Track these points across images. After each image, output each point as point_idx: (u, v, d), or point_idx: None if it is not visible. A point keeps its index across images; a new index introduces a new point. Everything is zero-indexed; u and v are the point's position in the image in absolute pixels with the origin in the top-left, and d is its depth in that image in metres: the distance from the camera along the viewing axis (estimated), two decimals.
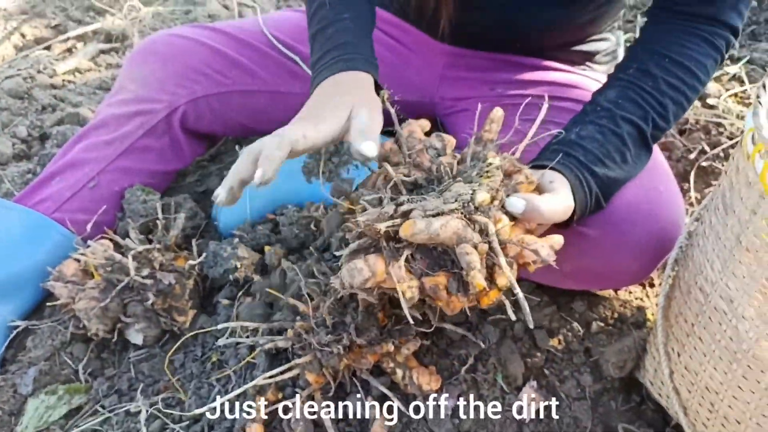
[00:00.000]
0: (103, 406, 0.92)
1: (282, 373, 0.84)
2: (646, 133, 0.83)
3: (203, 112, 1.16)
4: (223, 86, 1.16)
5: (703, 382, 0.77)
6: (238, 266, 1.03)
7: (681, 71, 0.84)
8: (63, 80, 1.60)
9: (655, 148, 0.96)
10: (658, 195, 0.87)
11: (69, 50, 1.73)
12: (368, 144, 0.72)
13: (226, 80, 1.16)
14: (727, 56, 0.91)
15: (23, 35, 1.78)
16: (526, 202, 0.68)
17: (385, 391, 0.86)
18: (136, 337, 0.99)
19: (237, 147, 1.27)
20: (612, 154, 0.81)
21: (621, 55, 1.27)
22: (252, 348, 0.93)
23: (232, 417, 0.86)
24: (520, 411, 0.88)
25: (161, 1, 1.96)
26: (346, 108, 0.76)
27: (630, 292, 1.04)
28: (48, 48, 1.73)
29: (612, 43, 1.17)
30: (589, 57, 1.14)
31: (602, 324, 0.96)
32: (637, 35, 0.92)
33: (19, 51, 1.72)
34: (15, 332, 1.02)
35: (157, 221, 1.09)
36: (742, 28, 0.89)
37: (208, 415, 0.87)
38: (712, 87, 1.46)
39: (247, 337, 0.90)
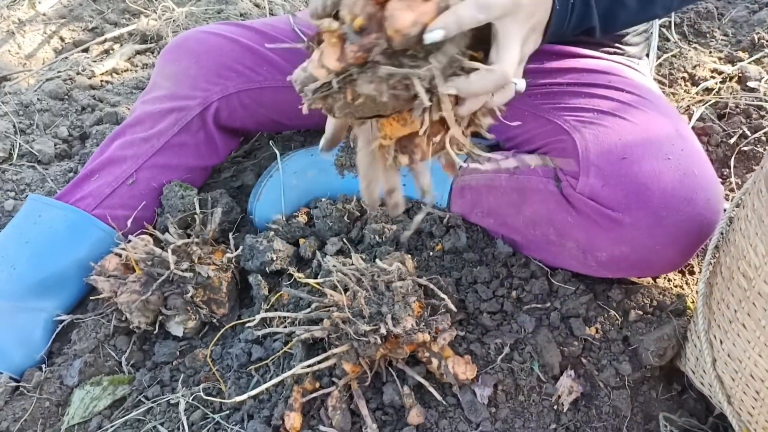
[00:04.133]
0: (146, 397, 0.94)
1: (319, 362, 0.86)
2: None
3: (235, 108, 1.18)
4: (255, 82, 1.17)
5: (748, 369, 0.75)
6: (274, 258, 1.04)
7: None
8: (101, 81, 1.64)
9: (690, 133, 0.94)
10: (693, 179, 0.85)
11: (106, 52, 1.78)
12: None
13: (258, 76, 1.17)
14: None
15: (62, 39, 1.82)
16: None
17: (421, 380, 0.87)
18: (176, 328, 1.01)
19: (271, 143, 1.29)
20: None
21: (655, 34, 1.23)
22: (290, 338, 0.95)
23: (270, 406, 0.88)
24: (557, 400, 0.88)
25: (194, 1, 1.99)
26: None
27: (669, 280, 1.02)
28: (86, 50, 1.77)
29: None
30: (618, 38, 1.10)
31: (641, 312, 0.95)
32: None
33: (58, 54, 1.77)
34: (61, 326, 1.05)
35: (195, 216, 1.11)
36: None
37: (247, 404, 0.89)
38: (752, 69, 1.42)
39: (284, 327, 0.91)
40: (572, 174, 0.89)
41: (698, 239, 0.85)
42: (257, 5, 1.92)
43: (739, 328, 0.75)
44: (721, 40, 1.60)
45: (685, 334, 0.91)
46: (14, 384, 0.98)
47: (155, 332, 1.01)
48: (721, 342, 0.79)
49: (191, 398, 0.92)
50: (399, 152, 0.68)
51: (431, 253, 1.06)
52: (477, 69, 0.60)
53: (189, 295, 0.99)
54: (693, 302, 0.97)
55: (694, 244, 0.86)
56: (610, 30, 0.87)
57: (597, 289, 0.99)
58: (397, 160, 0.68)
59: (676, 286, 1.01)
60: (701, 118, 1.33)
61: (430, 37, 0.57)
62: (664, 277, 1.02)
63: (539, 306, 0.96)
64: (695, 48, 1.57)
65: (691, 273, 1.04)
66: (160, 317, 1.01)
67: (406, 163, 0.67)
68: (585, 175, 0.87)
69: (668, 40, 1.61)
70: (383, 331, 0.82)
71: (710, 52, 1.56)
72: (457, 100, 0.63)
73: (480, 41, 0.64)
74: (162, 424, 0.90)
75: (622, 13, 0.82)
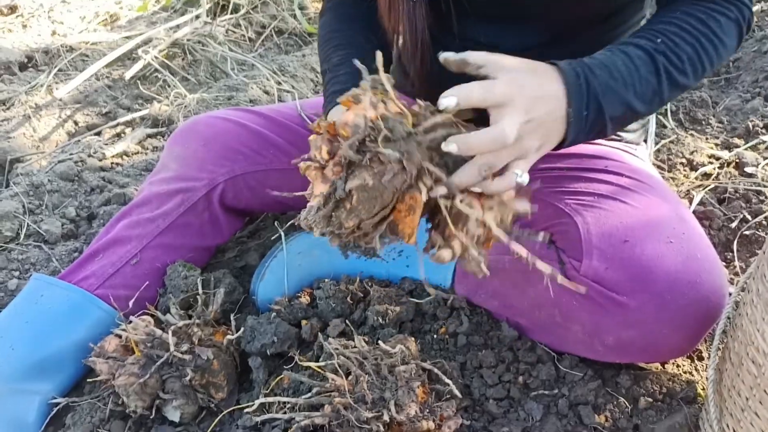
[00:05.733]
0: None
1: None
2: (657, 62, 0.80)
3: (241, 189, 1.20)
4: (261, 165, 1.20)
5: None
6: (275, 341, 1.03)
7: (692, 19, 0.83)
8: (111, 163, 1.68)
9: (691, 217, 0.95)
10: (696, 263, 0.85)
11: (118, 135, 1.83)
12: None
13: (264, 159, 1.20)
14: (746, 31, 0.89)
15: (76, 122, 1.88)
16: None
17: None
18: (173, 414, 0.98)
19: (275, 223, 1.30)
20: (617, 65, 0.78)
21: (652, 121, 1.26)
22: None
23: None
24: None
25: (205, 88, 2.07)
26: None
27: (678, 366, 1.00)
28: (99, 134, 1.82)
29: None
30: None
31: (650, 399, 0.92)
32: None
33: (71, 137, 1.83)
34: (55, 409, 1.02)
35: (197, 296, 1.10)
36: None
37: None
38: (749, 155, 1.45)
39: (284, 413, 0.89)
40: (575, 257, 0.89)
41: (705, 323, 0.84)
42: (266, 92, 1.99)
43: (752, 417, 0.73)
44: (717, 127, 1.64)
45: (696, 422, 0.88)
46: None
47: (151, 417, 0.98)
48: (734, 431, 0.76)
49: None
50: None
51: (435, 336, 1.05)
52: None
53: (188, 378, 0.97)
54: (704, 389, 0.95)
55: (700, 328, 0.84)
56: (618, 130, 0.91)
57: (605, 375, 0.96)
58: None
59: (685, 372, 0.99)
60: (702, 203, 1.34)
61: (444, 102, 0.68)
62: (674, 363, 1.00)
63: (547, 392, 0.94)
64: (692, 134, 1.61)
65: (700, 359, 1.02)
66: (157, 401, 0.98)
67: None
68: (588, 258, 0.87)
69: (665, 126, 1.65)
70: (386, 418, 0.80)
71: (707, 139, 1.59)
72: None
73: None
74: None
75: (632, 118, 0.84)
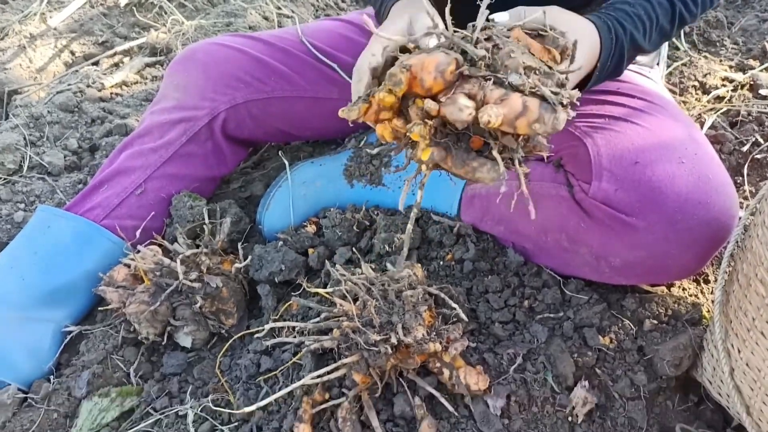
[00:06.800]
0: (154, 408, 0.93)
1: (329, 373, 0.84)
2: (675, 8, 0.87)
3: (243, 118, 1.18)
4: (263, 93, 1.17)
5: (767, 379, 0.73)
6: (283, 269, 1.04)
7: None
8: (111, 93, 1.65)
9: (703, 138, 0.93)
10: (708, 183, 0.84)
11: (116, 65, 1.79)
12: (499, 15, 0.74)
13: (266, 87, 1.17)
14: None
15: (72, 52, 1.84)
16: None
17: (433, 391, 0.85)
18: (185, 340, 1.00)
19: (279, 153, 1.28)
20: (641, 15, 0.85)
21: (664, 53, 1.23)
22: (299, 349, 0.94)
23: (280, 417, 0.87)
24: (571, 411, 0.86)
25: (203, 14, 2.00)
26: (405, 15, 0.79)
27: (684, 289, 1.00)
28: (96, 63, 1.78)
29: None
30: None
31: (655, 321, 0.93)
32: None
33: (68, 67, 1.79)
34: (69, 337, 1.04)
35: (204, 226, 1.10)
36: None
37: (256, 415, 0.87)
38: (763, 77, 1.41)
39: (294, 337, 0.90)
40: (584, 179, 0.88)
41: (714, 244, 0.84)
42: (266, 18, 1.93)
43: (758, 337, 0.73)
44: (731, 48, 1.59)
45: (701, 343, 0.89)
46: (22, 395, 0.97)
47: (164, 343, 1.00)
48: (739, 351, 0.77)
49: (200, 410, 0.91)
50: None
51: (441, 263, 1.05)
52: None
53: (198, 305, 0.98)
54: (708, 311, 0.96)
55: (709, 249, 0.84)
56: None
57: (611, 299, 0.97)
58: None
59: (691, 295, 0.99)
60: (713, 126, 1.31)
61: (496, 16, 0.71)
62: (679, 286, 1.00)
63: (552, 316, 0.95)
64: (705, 56, 1.56)
65: (706, 282, 1.03)
66: (169, 328, 1.00)
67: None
68: (597, 180, 0.86)
69: (678, 49, 1.60)
70: (394, 340, 0.81)
71: (720, 61, 1.55)
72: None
73: None
74: None
75: (642, 53, 0.91)
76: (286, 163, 1.19)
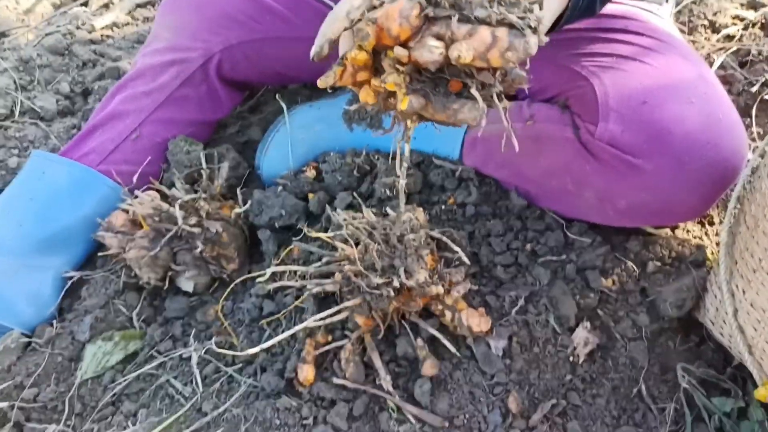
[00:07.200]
0: (158, 351, 0.94)
1: (331, 315, 0.84)
2: None
3: (238, 60, 1.14)
4: (257, 33, 1.13)
5: None
6: (283, 214, 1.03)
7: None
8: (101, 35, 1.60)
9: (714, 77, 0.91)
10: (718, 123, 0.82)
11: (106, 5, 1.73)
12: None
13: (260, 26, 1.13)
14: None
15: None
16: None
17: (435, 332, 0.86)
18: (186, 284, 1.00)
19: (276, 96, 1.25)
20: None
21: None
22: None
23: (283, 359, 0.87)
24: (573, 351, 0.87)
25: None
26: None
27: (688, 231, 1.00)
28: (85, 4, 1.73)
29: None
30: None
31: (659, 263, 0.93)
32: None
33: (57, 8, 1.73)
34: (70, 283, 1.04)
35: (202, 171, 1.08)
36: None
37: (260, 357, 0.88)
38: None
39: (295, 281, 0.90)
40: (591, 120, 0.86)
41: (721, 185, 0.83)
42: None
43: (764, 277, 0.73)
44: None
45: (704, 284, 0.89)
46: (26, 340, 0.97)
47: (165, 288, 1.00)
48: (744, 292, 0.77)
49: (204, 352, 0.91)
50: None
51: (443, 207, 1.04)
52: None
53: (198, 250, 0.97)
54: (713, 253, 0.95)
55: (717, 191, 0.83)
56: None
57: (614, 241, 0.96)
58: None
59: (695, 237, 0.99)
60: (722, 66, 1.28)
61: None
62: (683, 228, 0.99)
63: (554, 258, 0.94)
64: None
65: (711, 224, 1.02)
66: (170, 273, 0.99)
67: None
68: (604, 121, 0.84)
69: None
70: (396, 284, 0.81)
71: None
72: None
73: None
74: (175, 378, 0.89)
75: None
76: (284, 106, 1.16)
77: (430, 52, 0.60)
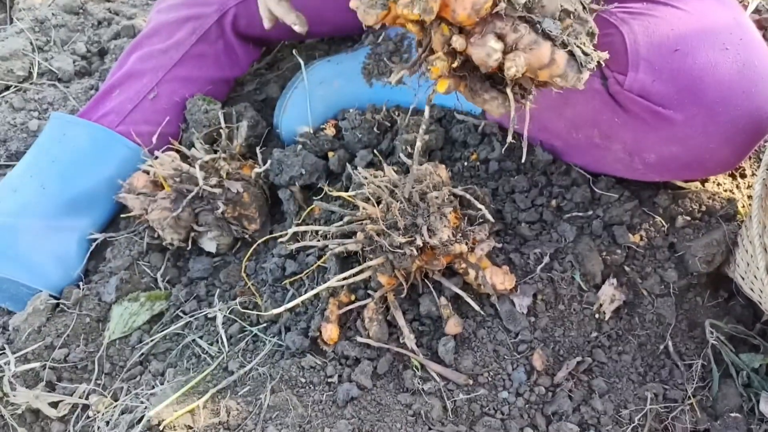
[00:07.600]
0: (183, 312, 0.95)
1: (354, 275, 0.84)
2: None
3: (254, 14, 1.11)
4: None
5: None
6: (303, 173, 1.02)
7: None
8: None
9: (750, 22, 0.86)
10: (753, 70, 0.78)
11: None
12: None
13: None
14: None
15: None
16: None
17: (459, 291, 0.85)
18: (209, 245, 1.00)
19: (294, 52, 1.23)
20: None
21: None
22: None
23: (307, 318, 0.88)
24: (599, 308, 0.86)
25: None
26: None
27: (719, 184, 0.97)
28: None
29: None
30: None
31: (688, 218, 0.90)
32: None
33: None
34: (94, 244, 1.05)
35: (221, 131, 1.07)
36: None
37: (284, 316, 0.88)
38: None
39: (318, 241, 0.89)
40: (619, 70, 0.82)
41: (756, 136, 0.79)
42: None
43: None
44: None
45: (735, 239, 0.87)
46: (54, 301, 0.99)
47: (188, 249, 1.01)
48: None
49: (228, 312, 0.92)
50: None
51: (466, 164, 1.02)
52: None
53: (220, 211, 0.97)
54: (744, 207, 0.92)
55: (750, 142, 0.80)
56: None
57: (642, 196, 0.94)
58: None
59: (726, 191, 0.96)
60: (757, 10, 1.22)
61: None
62: (714, 181, 0.96)
63: (581, 214, 0.92)
64: None
65: (743, 176, 0.99)
66: (193, 233, 1.00)
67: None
68: (634, 71, 0.80)
69: None
70: (419, 242, 0.80)
71: None
72: None
73: None
74: (201, 338, 0.90)
75: None
76: (302, 62, 1.14)
77: (488, 55, 0.60)
